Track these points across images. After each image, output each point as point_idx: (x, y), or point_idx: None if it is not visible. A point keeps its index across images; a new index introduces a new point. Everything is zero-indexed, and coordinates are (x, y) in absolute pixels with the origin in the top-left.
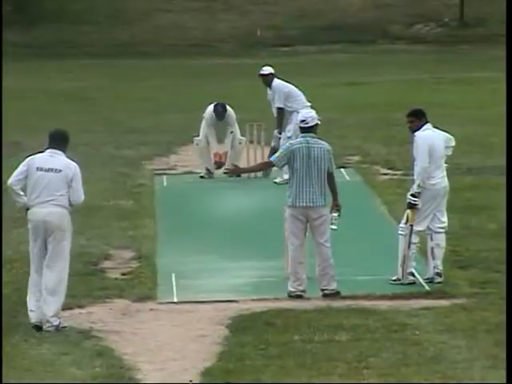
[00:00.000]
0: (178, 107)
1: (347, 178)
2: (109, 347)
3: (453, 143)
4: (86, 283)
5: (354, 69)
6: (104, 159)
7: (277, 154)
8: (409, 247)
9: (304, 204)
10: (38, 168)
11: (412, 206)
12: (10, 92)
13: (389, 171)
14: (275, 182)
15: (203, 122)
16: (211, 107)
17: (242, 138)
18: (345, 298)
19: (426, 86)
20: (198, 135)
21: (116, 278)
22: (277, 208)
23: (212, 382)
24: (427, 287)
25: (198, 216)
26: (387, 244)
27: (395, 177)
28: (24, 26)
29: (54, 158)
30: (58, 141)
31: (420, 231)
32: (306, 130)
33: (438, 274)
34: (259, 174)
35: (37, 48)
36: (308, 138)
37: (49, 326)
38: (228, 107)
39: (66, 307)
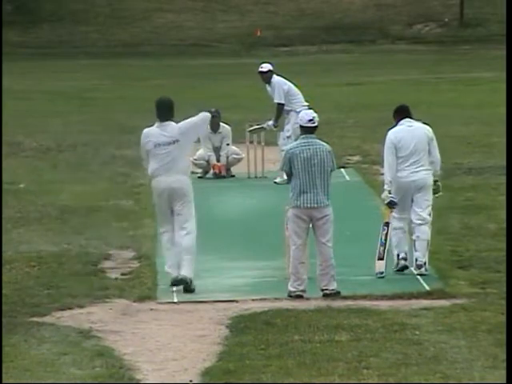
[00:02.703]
0: (178, 107)
1: (347, 177)
2: (109, 347)
3: (430, 134)
4: (86, 283)
5: (354, 69)
6: (104, 159)
7: (282, 163)
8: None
9: (309, 205)
10: (155, 145)
11: (390, 205)
12: (10, 92)
13: None
14: (275, 182)
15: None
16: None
17: (240, 155)
18: (345, 298)
19: (426, 85)
20: (196, 159)
21: (116, 278)
22: (277, 208)
23: (212, 382)
24: (427, 287)
25: (198, 216)
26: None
27: None
28: (24, 26)
29: (165, 132)
30: (164, 111)
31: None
32: (309, 130)
33: (418, 266)
34: (259, 173)
35: (37, 48)
36: (309, 140)
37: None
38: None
39: (65, 307)
